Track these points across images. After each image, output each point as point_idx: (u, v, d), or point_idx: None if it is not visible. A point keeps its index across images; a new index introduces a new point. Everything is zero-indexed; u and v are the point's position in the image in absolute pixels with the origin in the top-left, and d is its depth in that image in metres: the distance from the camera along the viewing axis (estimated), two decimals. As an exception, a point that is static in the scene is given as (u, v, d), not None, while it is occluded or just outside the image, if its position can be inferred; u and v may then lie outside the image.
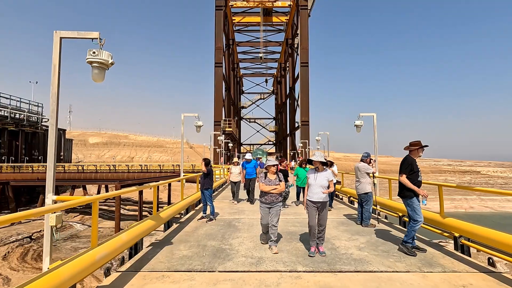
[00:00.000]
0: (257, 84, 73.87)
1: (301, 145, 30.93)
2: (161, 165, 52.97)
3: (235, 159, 10.89)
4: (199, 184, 8.10)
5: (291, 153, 46.73)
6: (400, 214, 7.41)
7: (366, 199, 7.24)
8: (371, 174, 7.35)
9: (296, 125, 42.75)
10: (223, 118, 38.04)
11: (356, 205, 9.33)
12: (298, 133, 43.81)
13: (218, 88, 35.66)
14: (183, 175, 9.65)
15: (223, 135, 31.01)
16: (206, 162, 7.90)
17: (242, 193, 12.33)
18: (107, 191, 43.58)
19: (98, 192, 48.02)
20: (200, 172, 8.18)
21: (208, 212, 7.90)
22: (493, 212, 44.73)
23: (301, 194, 9.89)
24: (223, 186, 17.02)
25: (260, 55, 46.68)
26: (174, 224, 7.27)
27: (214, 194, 13.79)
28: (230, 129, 37.22)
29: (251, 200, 10.75)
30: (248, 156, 10.87)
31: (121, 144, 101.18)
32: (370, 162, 7.44)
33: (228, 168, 11.77)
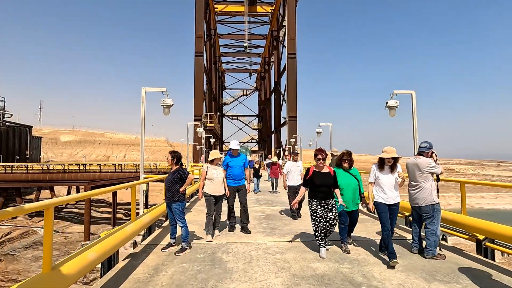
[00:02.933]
0: (240, 80, 70.97)
1: (294, 140, 28.20)
2: (136, 164, 49.32)
3: (214, 154, 5.87)
4: (165, 193, 5.14)
5: (277, 151, 44.16)
6: (481, 237, 4.80)
7: (431, 214, 4.59)
8: (434, 176, 4.69)
9: (283, 121, 40.16)
10: (204, 112, 34.89)
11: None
12: (283, 130, 41.31)
13: (198, 80, 32.49)
14: (144, 177, 6.68)
15: (204, 131, 27.93)
16: (177, 157, 5.03)
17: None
18: (78, 193, 39.65)
19: (68, 194, 44.03)
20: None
21: (178, 234, 5.04)
22: (469, 209, 46.43)
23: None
24: (194, 198, 11.65)
25: (245, 44, 43.65)
26: (120, 260, 4.38)
27: (188, 203, 10.74)
28: (212, 125, 34.14)
29: (231, 225, 6.46)
30: (234, 144, 6.37)
31: (96, 142, 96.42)
32: (431, 156, 4.80)
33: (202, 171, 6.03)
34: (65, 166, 45.03)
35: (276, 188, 13.73)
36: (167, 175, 5.10)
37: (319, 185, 4.73)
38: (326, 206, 4.74)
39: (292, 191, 7.77)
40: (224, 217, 6.62)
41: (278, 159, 30.06)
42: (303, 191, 4.97)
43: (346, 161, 5.22)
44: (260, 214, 8.16)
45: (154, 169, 43.21)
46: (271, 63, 54.36)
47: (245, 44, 42.65)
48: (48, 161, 65.59)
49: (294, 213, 7.67)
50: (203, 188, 5.74)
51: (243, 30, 47.33)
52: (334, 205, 4.77)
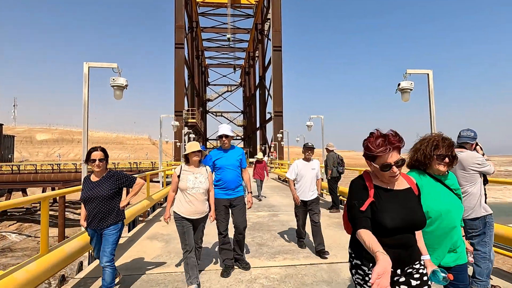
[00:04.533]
0: (224, 76, 69.22)
1: (280, 136, 26.80)
2: (115, 163, 47.27)
3: (192, 146, 3.59)
4: (86, 217, 3.19)
5: (262, 148, 42.85)
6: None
7: (481, 230, 3.27)
8: (482, 176, 3.37)
9: (268, 116, 38.84)
10: (186, 108, 33.11)
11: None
12: (269, 126, 40.05)
13: (179, 73, 30.66)
14: (64, 190, 4.84)
15: (185, 127, 26.21)
16: (96, 153, 3.14)
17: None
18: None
19: (42, 195, 41.64)
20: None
21: (120, 265, 3.48)
22: None
23: None
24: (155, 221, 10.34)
25: (228, 36, 41.99)
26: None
27: (160, 209, 9.11)
28: (194, 121, 32.43)
29: (226, 265, 3.95)
30: (226, 129, 4.00)
31: (75, 140, 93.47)
32: (475, 149, 3.51)
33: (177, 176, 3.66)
34: (38, 166, 42.53)
35: (261, 191, 11.35)
36: (82, 187, 3.26)
37: (395, 228, 1.65)
38: (409, 282, 1.71)
39: (303, 210, 4.86)
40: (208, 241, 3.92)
41: (264, 156, 28.49)
42: (367, 236, 1.55)
43: (446, 158, 2.07)
44: (244, 223, 6.74)
45: (135, 168, 41.35)
46: (256, 58, 52.91)
47: (228, 35, 40.98)
48: (22, 161, 62.33)
49: (302, 240, 5.07)
50: (172, 205, 3.59)
51: (227, 24, 45.64)
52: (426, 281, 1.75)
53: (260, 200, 10.70)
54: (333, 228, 6.20)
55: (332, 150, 8.24)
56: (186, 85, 36.01)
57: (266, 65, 42.29)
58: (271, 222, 6.84)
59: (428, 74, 5.65)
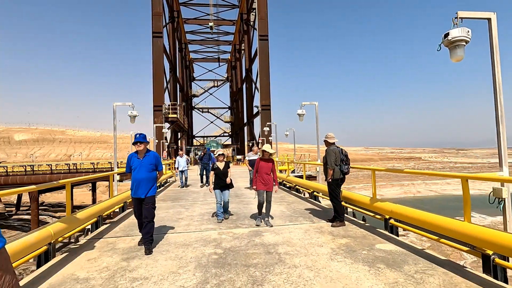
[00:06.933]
0: (210, 70, 66.72)
1: (268, 129, 24.65)
2: (94, 163, 44.59)
3: None
4: None
5: (250, 144, 40.89)
6: None
7: None
8: None
9: (255, 110, 36.76)
10: (165, 102, 30.74)
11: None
12: (256, 121, 38.10)
13: (158, 64, 28.21)
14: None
15: (166, 122, 23.98)
16: None
17: None
18: (31, 200, 34.93)
19: (18, 201, 39.01)
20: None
21: None
22: (437, 195, 47.94)
23: None
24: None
25: (211, 24, 39.61)
26: None
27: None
28: (175, 116, 30.08)
29: None
30: None
31: (56, 140, 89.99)
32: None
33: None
34: (9, 168, 39.66)
35: (268, 213, 6.44)
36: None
37: None
38: None
39: None
40: None
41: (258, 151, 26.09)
42: None
43: None
44: (211, 251, 4.66)
45: (108, 168, 39.18)
46: (242, 51, 50.74)
47: (210, 24, 38.59)
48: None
49: None
50: None
51: (210, 15, 43.23)
52: None
53: (269, 225, 6.13)
54: (343, 258, 4.16)
55: (333, 143, 6.21)
56: (167, 79, 33.62)
57: (252, 57, 40.27)
58: (250, 248, 4.75)
59: (490, 18, 3.71)
